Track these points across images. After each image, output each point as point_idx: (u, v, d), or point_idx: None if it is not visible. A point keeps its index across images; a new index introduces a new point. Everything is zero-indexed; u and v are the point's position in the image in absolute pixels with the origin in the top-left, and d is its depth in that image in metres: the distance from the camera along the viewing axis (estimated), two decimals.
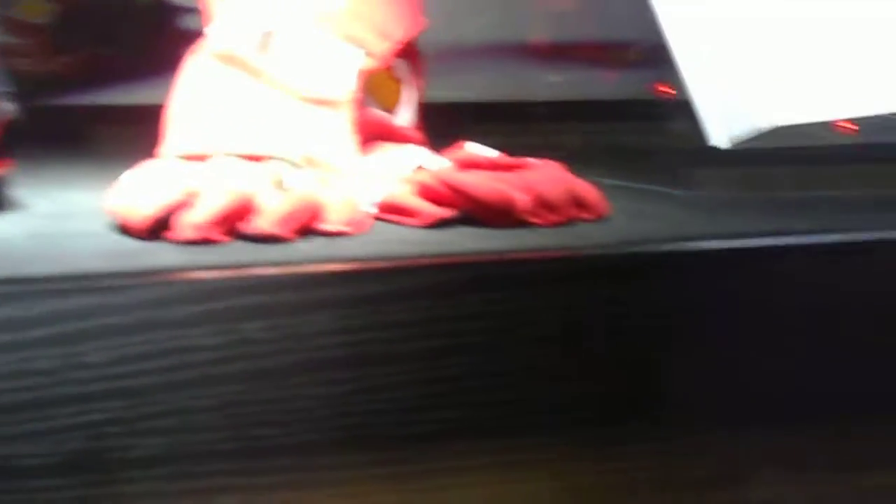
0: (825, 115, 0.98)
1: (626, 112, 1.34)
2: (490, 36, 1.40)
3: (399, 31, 1.00)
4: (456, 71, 1.32)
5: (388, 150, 0.95)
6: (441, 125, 0.98)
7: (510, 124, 1.29)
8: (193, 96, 0.90)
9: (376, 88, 1.01)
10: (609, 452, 0.74)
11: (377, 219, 0.83)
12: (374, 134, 0.96)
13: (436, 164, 0.88)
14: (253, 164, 0.84)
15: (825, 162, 1.05)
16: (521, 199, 0.81)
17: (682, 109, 1.07)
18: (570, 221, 0.83)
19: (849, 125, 1.03)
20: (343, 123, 0.93)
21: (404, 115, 1.01)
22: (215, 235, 0.75)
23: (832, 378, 0.79)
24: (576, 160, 0.90)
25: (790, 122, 0.97)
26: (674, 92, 1.35)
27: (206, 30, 0.94)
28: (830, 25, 1.05)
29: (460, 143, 0.90)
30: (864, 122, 0.99)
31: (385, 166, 0.92)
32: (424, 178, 0.84)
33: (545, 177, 0.85)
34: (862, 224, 0.85)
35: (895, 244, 0.79)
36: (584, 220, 0.84)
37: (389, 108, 1.01)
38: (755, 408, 0.76)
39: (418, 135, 1.00)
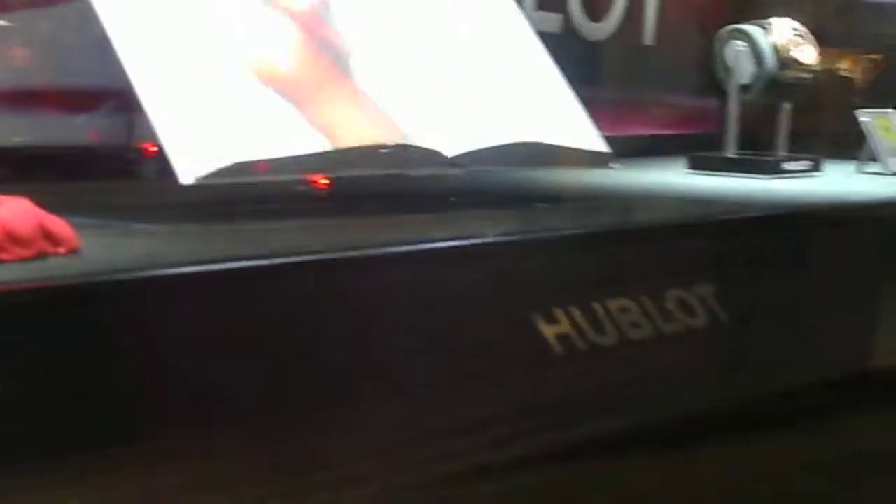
0: (273, 152, 1.06)
1: (101, 158, 1.36)
2: None
3: None
4: None
5: None
6: None
7: None
8: None
9: None
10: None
11: None
12: None
13: None
14: None
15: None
16: None
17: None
18: (41, 255, 0.84)
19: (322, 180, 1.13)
20: None
21: None
22: None
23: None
24: (61, 202, 0.92)
25: (241, 159, 1.04)
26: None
27: None
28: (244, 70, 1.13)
29: None
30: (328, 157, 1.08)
31: None
32: None
33: (13, 212, 0.85)
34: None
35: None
36: (56, 254, 0.85)
37: None
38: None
39: None
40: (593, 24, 2.00)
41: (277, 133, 1.08)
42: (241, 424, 0.84)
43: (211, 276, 0.83)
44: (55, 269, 0.82)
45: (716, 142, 1.85)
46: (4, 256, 0.82)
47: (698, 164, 1.70)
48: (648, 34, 2.08)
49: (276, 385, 0.86)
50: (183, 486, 0.80)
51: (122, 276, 0.81)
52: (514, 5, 1.40)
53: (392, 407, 0.92)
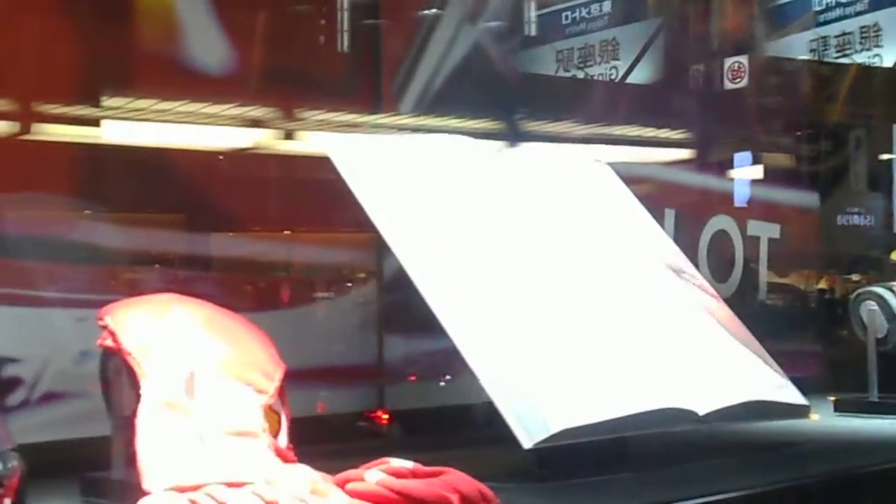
0: (606, 414, 1.31)
1: None
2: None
3: (277, 371, 1.23)
4: None
5: (285, 468, 1.17)
6: None
7: None
8: (157, 438, 1.09)
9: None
10: None
11: None
12: None
13: (372, 476, 1.11)
14: (237, 489, 1.05)
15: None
16: (452, 498, 1.07)
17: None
18: None
19: None
20: (265, 447, 1.15)
21: (283, 440, 1.22)
22: None
23: None
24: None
25: (575, 423, 1.29)
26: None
27: (143, 384, 1.14)
28: (606, 330, 1.38)
29: (384, 458, 1.13)
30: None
31: (296, 479, 1.13)
32: (371, 487, 1.07)
33: (459, 479, 1.11)
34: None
35: None
36: None
37: (272, 435, 1.22)
38: None
39: (293, 455, 1.21)
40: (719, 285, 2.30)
41: (595, 396, 1.33)
42: None
43: None
44: None
45: (820, 384, 2.11)
46: None
47: (844, 408, 1.97)
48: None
49: None
50: None
51: None
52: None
53: None
